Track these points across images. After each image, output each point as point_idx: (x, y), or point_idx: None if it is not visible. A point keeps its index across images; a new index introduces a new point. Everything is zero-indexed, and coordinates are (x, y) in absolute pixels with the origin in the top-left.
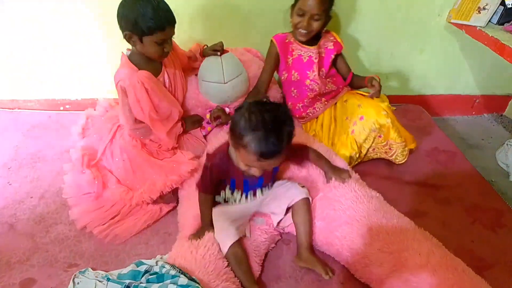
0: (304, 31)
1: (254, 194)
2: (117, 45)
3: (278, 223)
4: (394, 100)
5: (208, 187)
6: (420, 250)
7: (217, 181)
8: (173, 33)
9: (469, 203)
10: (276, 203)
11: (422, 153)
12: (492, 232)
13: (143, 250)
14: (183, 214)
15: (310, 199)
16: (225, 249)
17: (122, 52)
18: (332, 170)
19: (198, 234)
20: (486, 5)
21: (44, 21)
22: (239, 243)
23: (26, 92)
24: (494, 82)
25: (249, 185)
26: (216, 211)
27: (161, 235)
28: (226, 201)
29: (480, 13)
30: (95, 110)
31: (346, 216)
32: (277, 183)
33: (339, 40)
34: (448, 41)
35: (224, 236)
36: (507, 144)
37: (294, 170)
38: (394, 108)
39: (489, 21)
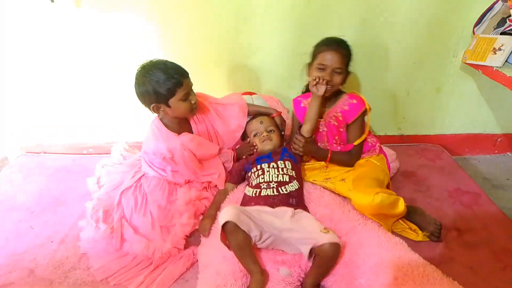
0: (329, 87)
1: (270, 166)
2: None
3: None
4: (412, 140)
5: (233, 175)
6: None
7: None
8: (191, 83)
9: (498, 247)
10: (299, 235)
11: (444, 194)
12: None
13: None
14: (205, 253)
15: (341, 244)
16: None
17: (156, 117)
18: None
19: (201, 228)
20: (502, 45)
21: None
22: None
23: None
24: None
25: (260, 158)
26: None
27: (178, 282)
28: (251, 184)
29: (495, 53)
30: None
31: (370, 263)
32: (300, 214)
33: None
34: (465, 80)
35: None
36: None
37: (315, 206)
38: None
39: (506, 61)
